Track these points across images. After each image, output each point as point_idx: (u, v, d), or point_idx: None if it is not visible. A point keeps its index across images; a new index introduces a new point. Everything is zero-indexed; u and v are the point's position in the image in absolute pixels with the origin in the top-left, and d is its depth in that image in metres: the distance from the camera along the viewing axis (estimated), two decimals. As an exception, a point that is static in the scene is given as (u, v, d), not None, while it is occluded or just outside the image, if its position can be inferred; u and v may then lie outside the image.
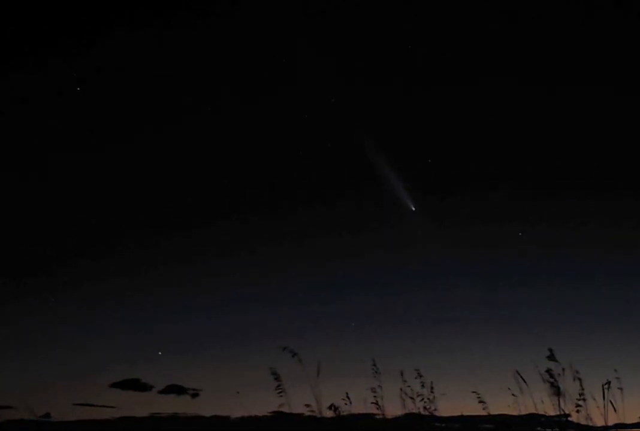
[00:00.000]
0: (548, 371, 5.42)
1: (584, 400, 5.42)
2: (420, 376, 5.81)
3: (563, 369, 5.41)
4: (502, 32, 9.54)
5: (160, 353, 10.13)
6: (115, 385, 10.16)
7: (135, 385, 10.25)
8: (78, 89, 9.64)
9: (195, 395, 10.22)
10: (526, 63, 9.76)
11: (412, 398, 5.88)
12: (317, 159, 10.28)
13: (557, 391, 5.40)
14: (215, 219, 11.01)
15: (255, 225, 10.96)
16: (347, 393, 5.83)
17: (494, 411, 5.91)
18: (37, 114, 10.21)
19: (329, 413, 5.70)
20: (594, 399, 5.48)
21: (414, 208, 9.83)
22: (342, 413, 5.74)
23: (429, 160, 9.99)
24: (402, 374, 5.95)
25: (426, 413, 5.85)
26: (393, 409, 6.01)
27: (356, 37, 9.77)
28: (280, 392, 5.51)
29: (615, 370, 5.63)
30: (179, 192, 10.77)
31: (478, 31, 9.59)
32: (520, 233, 9.97)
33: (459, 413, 6.70)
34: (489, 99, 9.98)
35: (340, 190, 10.62)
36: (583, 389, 5.42)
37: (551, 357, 5.42)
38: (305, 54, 9.28)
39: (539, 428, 5.90)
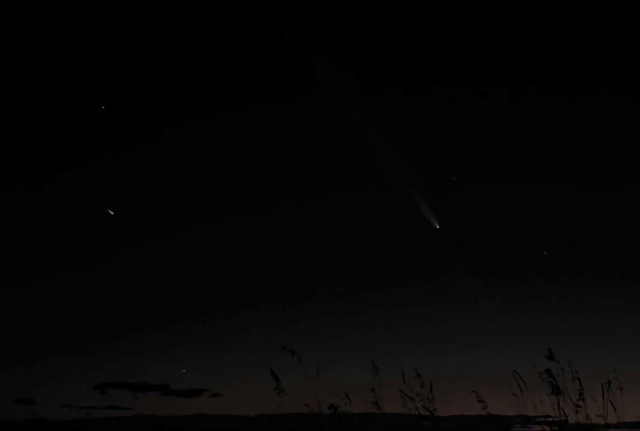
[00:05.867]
0: (547, 371, 5.40)
1: (584, 399, 5.41)
2: (419, 376, 5.80)
3: (562, 369, 5.41)
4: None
5: (184, 371, 10.13)
6: (116, 386, 10.17)
7: (135, 385, 10.27)
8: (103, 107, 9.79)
9: (194, 394, 10.23)
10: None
11: (411, 398, 5.87)
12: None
13: (556, 391, 5.39)
14: (216, 220, 11.05)
15: (258, 223, 11.00)
16: (346, 393, 5.84)
17: (494, 411, 5.90)
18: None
19: (329, 413, 5.69)
20: (594, 399, 5.48)
21: (438, 226, 9.86)
22: (341, 413, 5.73)
23: (453, 178, 10.06)
24: (402, 374, 5.94)
25: (425, 413, 5.83)
26: (393, 409, 6.02)
27: (379, 54, 9.81)
28: (279, 392, 5.52)
29: (615, 370, 5.63)
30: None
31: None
32: (545, 252, 10.04)
33: (459, 413, 6.70)
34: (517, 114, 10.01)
35: (338, 183, 10.68)
36: (582, 389, 5.42)
37: (550, 357, 5.41)
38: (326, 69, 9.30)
39: (538, 428, 5.89)
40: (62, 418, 9.19)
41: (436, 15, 9.41)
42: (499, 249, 10.53)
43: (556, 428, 5.55)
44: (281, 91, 10.12)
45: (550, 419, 5.51)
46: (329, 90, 9.54)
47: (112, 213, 9.94)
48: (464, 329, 10.42)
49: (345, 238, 10.99)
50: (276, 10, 9.16)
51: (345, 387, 5.92)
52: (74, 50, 9.46)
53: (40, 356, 10.77)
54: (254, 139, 10.70)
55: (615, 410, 5.49)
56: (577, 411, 5.42)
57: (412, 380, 5.85)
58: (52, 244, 11.09)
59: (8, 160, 10.24)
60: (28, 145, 10.30)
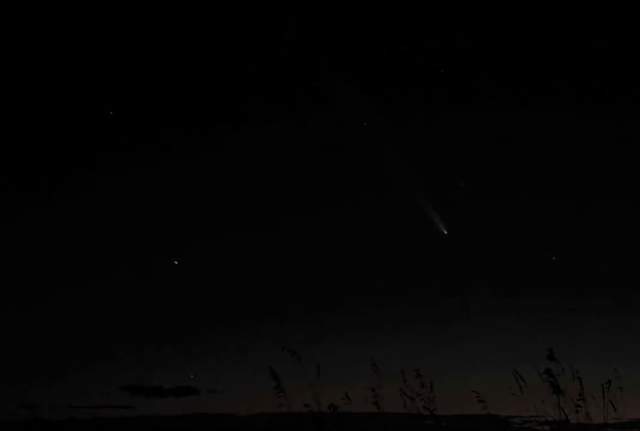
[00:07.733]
0: (547, 371, 5.39)
1: (584, 399, 5.41)
2: (420, 375, 5.78)
3: (563, 369, 5.40)
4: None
5: (192, 376, 10.14)
6: (115, 386, 10.17)
7: (134, 385, 10.26)
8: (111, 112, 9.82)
9: (192, 393, 10.23)
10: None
11: (411, 398, 5.85)
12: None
13: (556, 391, 5.38)
14: (216, 220, 11.07)
15: (258, 223, 11.03)
16: (346, 393, 5.82)
17: (494, 411, 5.89)
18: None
19: (328, 413, 5.68)
20: (594, 398, 5.47)
21: (446, 232, 9.87)
22: (341, 413, 5.72)
23: (461, 183, 10.07)
24: (402, 374, 5.93)
25: (426, 412, 5.82)
26: (392, 409, 6.01)
27: (384, 59, 9.81)
28: (278, 392, 5.50)
29: (615, 370, 5.62)
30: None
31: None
32: (553, 258, 10.02)
33: (459, 413, 6.69)
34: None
35: (339, 185, 10.70)
36: (583, 389, 5.41)
37: (551, 357, 5.40)
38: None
39: (538, 428, 5.88)
40: (61, 418, 9.19)
41: (436, 15, 9.42)
42: (500, 250, 10.55)
43: (556, 428, 5.54)
44: (281, 91, 10.12)
45: (551, 419, 5.51)
46: (330, 90, 9.54)
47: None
48: (465, 329, 10.42)
49: (347, 239, 11.01)
50: (276, 10, 9.17)
51: (345, 387, 5.92)
52: (80, 55, 9.49)
53: (40, 356, 10.77)
54: (253, 140, 10.71)
55: (615, 410, 5.49)
56: (577, 411, 5.41)
57: (412, 379, 5.85)
58: (53, 246, 11.11)
59: (10, 162, 10.25)
60: (31, 147, 10.32)
